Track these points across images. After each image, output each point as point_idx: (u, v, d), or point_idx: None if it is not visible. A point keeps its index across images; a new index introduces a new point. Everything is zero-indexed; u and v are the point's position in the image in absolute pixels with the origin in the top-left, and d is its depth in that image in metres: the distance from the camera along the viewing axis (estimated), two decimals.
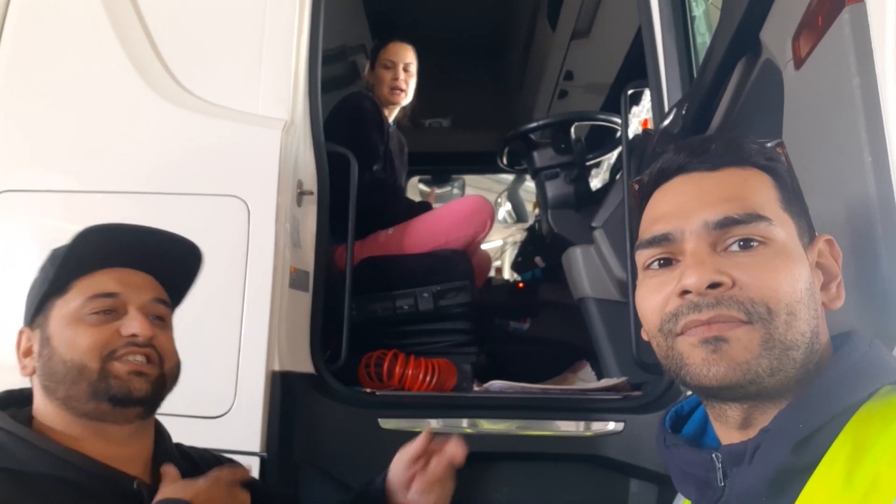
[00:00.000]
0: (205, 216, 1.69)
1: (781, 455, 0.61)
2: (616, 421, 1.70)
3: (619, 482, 1.76)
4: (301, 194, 1.80)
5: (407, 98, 2.61)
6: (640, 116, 3.24)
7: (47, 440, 0.88)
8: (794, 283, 0.65)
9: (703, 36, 1.88)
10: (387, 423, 1.72)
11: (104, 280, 0.94)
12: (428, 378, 1.98)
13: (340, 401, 1.74)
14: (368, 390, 1.87)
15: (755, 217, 0.66)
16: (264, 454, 1.59)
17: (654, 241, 0.71)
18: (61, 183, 1.75)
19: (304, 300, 1.80)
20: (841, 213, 0.82)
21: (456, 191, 4.24)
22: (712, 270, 0.65)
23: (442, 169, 4.14)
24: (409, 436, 1.71)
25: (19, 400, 0.95)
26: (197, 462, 1.07)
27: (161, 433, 1.03)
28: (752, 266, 0.65)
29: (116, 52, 1.78)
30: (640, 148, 1.98)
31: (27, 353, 0.95)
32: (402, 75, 2.56)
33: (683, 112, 1.43)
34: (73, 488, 0.85)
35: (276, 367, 1.65)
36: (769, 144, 0.73)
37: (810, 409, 0.62)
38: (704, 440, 0.78)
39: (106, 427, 0.91)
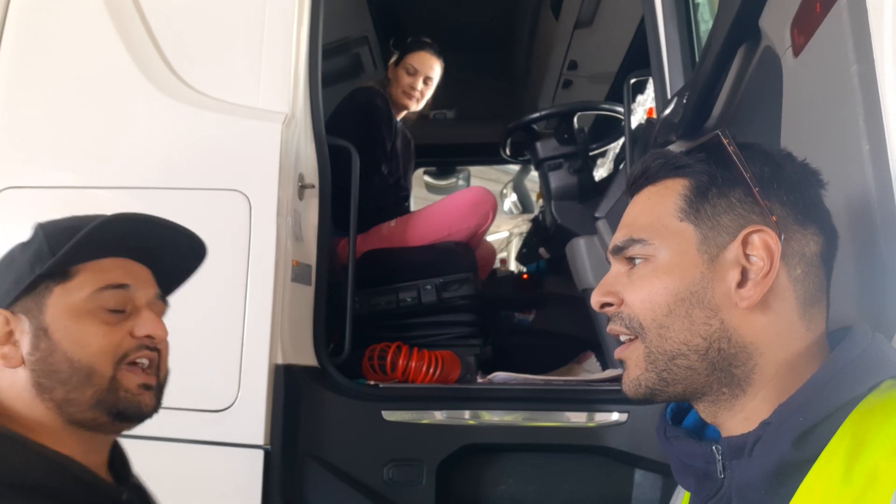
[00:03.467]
0: (206, 211, 1.69)
1: (782, 448, 0.61)
2: (620, 412, 1.70)
3: (624, 473, 1.76)
4: (302, 188, 1.80)
5: (417, 106, 2.61)
6: (645, 105, 3.21)
7: (40, 446, 0.78)
8: (658, 297, 0.69)
9: (706, 24, 1.86)
10: (391, 416, 1.72)
11: (112, 270, 0.85)
12: (431, 370, 1.98)
13: (344, 394, 1.75)
14: (372, 383, 1.87)
15: (631, 241, 0.73)
16: (268, 447, 1.60)
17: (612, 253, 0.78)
18: (62, 179, 1.76)
19: (307, 293, 1.80)
20: (839, 202, 0.81)
21: (461, 182, 4.23)
22: (600, 292, 0.74)
23: (447, 160, 4.13)
24: (413, 428, 1.74)
25: None
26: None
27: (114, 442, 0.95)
28: (630, 284, 0.72)
29: (116, 47, 1.78)
30: (644, 137, 1.97)
31: (6, 339, 0.82)
32: (419, 86, 2.55)
33: (684, 101, 1.42)
34: (59, 498, 0.77)
35: (280, 361, 1.65)
36: (703, 140, 0.73)
37: (811, 402, 0.62)
38: (705, 432, 0.78)
39: (92, 435, 0.84)
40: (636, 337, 0.72)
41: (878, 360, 0.64)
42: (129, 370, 0.83)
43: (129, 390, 0.82)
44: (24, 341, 0.82)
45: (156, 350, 0.86)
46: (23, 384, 0.81)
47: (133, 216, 0.88)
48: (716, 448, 0.68)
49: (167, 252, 0.93)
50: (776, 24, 1.05)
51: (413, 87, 2.54)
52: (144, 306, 0.86)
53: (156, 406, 0.86)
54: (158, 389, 0.87)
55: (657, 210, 0.73)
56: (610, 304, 0.74)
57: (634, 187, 0.78)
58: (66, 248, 0.81)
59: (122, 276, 0.85)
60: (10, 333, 0.82)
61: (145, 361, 0.85)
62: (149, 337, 0.84)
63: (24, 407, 0.81)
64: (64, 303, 0.82)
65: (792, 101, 0.99)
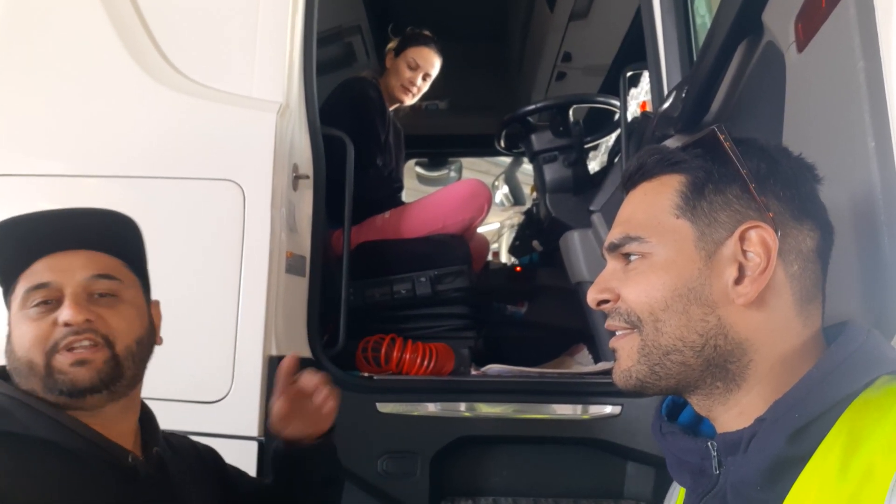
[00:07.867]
0: (200, 200, 1.67)
1: (777, 444, 0.61)
2: (613, 404, 1.71)
3: (616, 465, 1.77)
4: (297, 178, 1.78)
5: (412, 101, 2.62)
6: (638, 99, 3.22)
7: (50, 407, 0.89)
8: (655, 293, 0.69)
9: (702, 17, 1.86)
10: (385, 408, 1.72)
11: (37, 270, 0.93)
12: (425, 362, 1.98)
13: (338, 385, 1.73)
14: (366, 375, 1.87)
15: (627, 239, 0.73)
16: (262, 439, 1.59)
17: (607, 250, 0.78)
18: (55, 167, 1.73)
19: (301, 285, 1.79)
20: (843, 199, 0.81)
21: (453, 174, 4.21)
22: (596, 289, 0.75)
23: (439, 152, 4.12)
24: (407, 420, 1.74)
25: None
26: (176, 448, 1.07)
27: (146, 413, 1.03)
28: (627, 280, 0.72)
29: (108, 34, 1.76)
30: (639, 131, 1.97)
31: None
32: (419, 81, 2.55)
33: (683, 95, 1.41)
34: (71, 455, 0.87)
35: (274, 352, 1.64)
36: (699, 135, 0.72)
37: (807, 398, 0.61)
38: (701, 428, 0.78)
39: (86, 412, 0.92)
40: (633, 329, 0.71)
41: (873, 355, 0.64)
42: (62, 355, 0.89)
43: (63, 370, 0.89)
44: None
45: (90, 332, 0.90)
46: None
47: (34, 214, 0.95)
48: (711, 444, 0.68)
49: (97, 229, 0.98)
50: (780, 18, 1.05)
51: (412, 83, 2.54)
52: (68, 295, 0.91)
53: (101, 378, 0.90)
54: (109, 363, 0.91)
55: (653, 207, 0.72)
56: (606, 301, 0.74)
57: (630, 183, 0.77)
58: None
59: (44, 274, 0.92)
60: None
61: (85, 342, 0.90)
62: (66, 324, 0.89)
63: None
64: (13, 311, 0.94)
65: (795, 97, 0.99)
